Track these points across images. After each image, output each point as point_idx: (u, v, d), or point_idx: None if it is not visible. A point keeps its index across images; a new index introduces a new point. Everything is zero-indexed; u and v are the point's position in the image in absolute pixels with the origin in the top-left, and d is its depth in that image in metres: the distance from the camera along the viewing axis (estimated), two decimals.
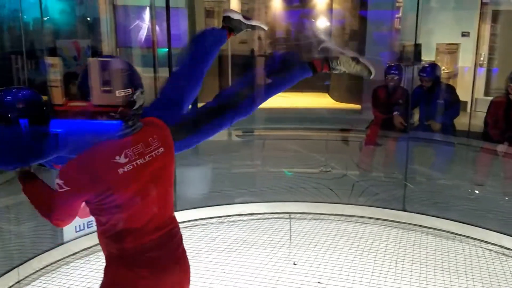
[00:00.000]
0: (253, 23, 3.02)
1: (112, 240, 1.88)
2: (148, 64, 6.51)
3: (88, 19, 7.58)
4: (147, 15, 6.77)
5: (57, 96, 4.92)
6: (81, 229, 4.24)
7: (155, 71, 5.89)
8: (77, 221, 4.19)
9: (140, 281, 1.87)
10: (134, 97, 1.83)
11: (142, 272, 1.86)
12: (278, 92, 2.82)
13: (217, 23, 7.95)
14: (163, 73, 5.05)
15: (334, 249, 4.31)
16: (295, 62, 2.91)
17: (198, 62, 2.68)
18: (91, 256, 4.17)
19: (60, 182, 1.74)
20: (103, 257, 3.64)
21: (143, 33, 6.74)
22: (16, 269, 3.68)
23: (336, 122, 6.13)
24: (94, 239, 4.24)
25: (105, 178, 1.75)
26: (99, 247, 4.23)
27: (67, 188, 1.74)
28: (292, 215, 4.86)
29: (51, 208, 1.85)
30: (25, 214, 4.35)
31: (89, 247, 4.27)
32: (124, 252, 1.86)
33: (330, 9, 8.90)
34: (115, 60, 2.00)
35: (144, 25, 6.78)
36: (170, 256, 1.93)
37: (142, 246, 1.86)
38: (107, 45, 7.02)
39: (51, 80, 5.27)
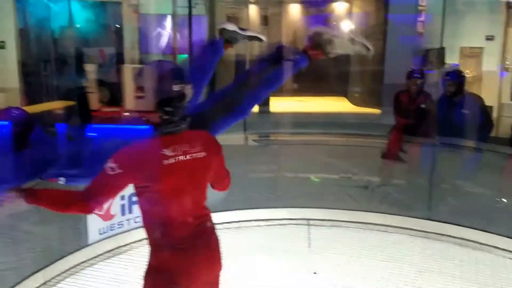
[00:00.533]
0: (250, 33, 3.01)
1: (152, 227, 2.07)
2: None
3: (116, 26, 7.67)
4: (168, 22, 6.80)
5: (94, 102, 4.97)
6: (104, 232, 4.28)
7: None
8: (101, 223, 4.23)
9: (171, 268, 2.05)
10: (185, 90, 2.02)
11: (172, 257, 2.04)
12: (276, 87, 2.77)
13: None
14: None
15: (355, 258, 4.17)
16: (289, 53, 2.85)
17: (196, 75, 2.65)
18: (113, 258, 4.18)
19: (114, 165, 1.92)
20: (126, 259, 3.56)
21: (164, 40, 6.77)
22: (42, 270, 3.72)
23: (355, 127, 5.96)
24: (117, 241, 4.32)
25: (152, 166, 1.96)
26: (122, 249, 4.18)
27: (120, 171, 1.92)
28: (311, 222, 4.75)
29: (88, 194, 1.99)
30: (51, 216, 4.34)
31: (112, 249, 4.29)
32: (161, 238, 2.04)
33: (350, 13, 8.76)
34: (168, 62, 2.38)
35: (165, 32, 6.81)
36: (197, 247, 2.07)
37: (175, 235, 2.04)
38: (131, 53, 7.09)
39: (87, 87, 5.34)
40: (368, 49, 2.81)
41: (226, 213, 4.82)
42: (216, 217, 4.80)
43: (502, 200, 5.04)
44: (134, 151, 1.98)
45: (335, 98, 8.33)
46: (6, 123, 2.41)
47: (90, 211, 2.08)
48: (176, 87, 1.99)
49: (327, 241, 4.46)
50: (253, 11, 8.39)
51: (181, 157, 1.98)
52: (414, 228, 4.69)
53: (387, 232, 4.70)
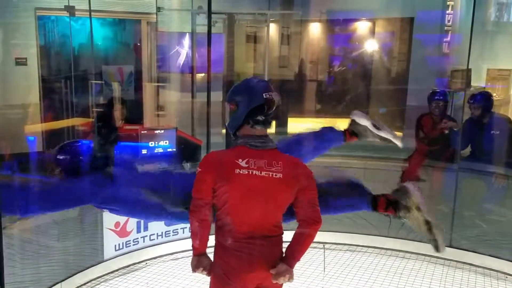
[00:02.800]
0: (384, 134, 3.02)
1: (218, 228, 2.41)
2: (187, 89, 6.91)
3: (137, 44, 8.08)
4: (186, 41, 7.17)
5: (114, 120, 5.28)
6: (120, 248, 4.65)
7: (193, 96, 6.25)
8: (117, 239, 4.60)
9: (224, 269, 2.38)
10: (276, 99, 2.38)
11: (227, 261, 2.38)
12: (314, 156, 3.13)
13: (255, 47, 8.20)
14: (201, 97, 5.29)
15: (372, 284, 4.39)
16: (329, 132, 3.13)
17: (302, 151, 3.00)
18: (128, 275, 4.53)
19: (199, 168, 2.36)
20: (140, 276, 3.97)
21: (182, 59, 7.14)
22: (59, 284, 4.06)
23: (375, 150, 6.16)
24: (132, 258, 4.73)
25: (225, 171, 2.31)
26: (137, 266, 4.55)
27: (201, 170, 2.34)
28: (327, 246, 4.96)
29: (197, 199, 2.37)
30: (70, 230, 4.73)
31: (127, 266, 4.64)
32: (222, 240, 2.39)
33: (374, 32, 9.00)
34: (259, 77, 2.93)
35: (183, 50, 7.18)
36: (250, 259, 2.36)
37: (234, 242, 2.36)
38: (148, 71, 7.48)
39: (108, 105, 5.69)
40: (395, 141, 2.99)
41: None
42: None
43: None
44: (215, 156, 2.41)
45: None
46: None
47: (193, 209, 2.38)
48: (266, 95, 2.36)
49: (343, 266, 4.69)
50: (274, 29, 8.71)
51: (255, 172, 2.31)
52: (435, 255, 4.72)
53: (406, 258, 4.90)
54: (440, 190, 5.90)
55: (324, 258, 4.70)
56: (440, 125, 5.76)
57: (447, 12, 7.76)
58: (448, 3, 7.74)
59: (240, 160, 2.31)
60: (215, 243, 2.44)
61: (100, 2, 6.62)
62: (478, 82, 8.00)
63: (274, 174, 2.32)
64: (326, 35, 9.53)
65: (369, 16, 8.72)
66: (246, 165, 2.30)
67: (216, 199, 2.35)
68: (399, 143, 3.06)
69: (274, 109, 2.39)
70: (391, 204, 2.67)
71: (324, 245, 4.89)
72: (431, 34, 7.81)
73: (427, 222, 2.61)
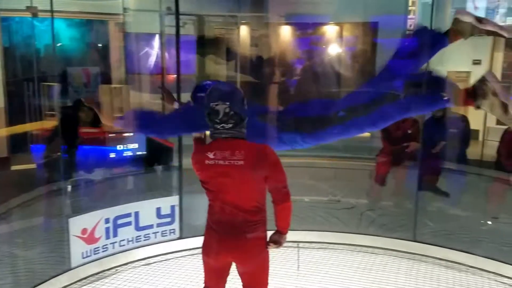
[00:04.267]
0: (490, 28, 2.78)
1: (208, 208, 2.77)
2: (157, 91, 6.69)
3: (102, 45, 7.81)
4: (156, 42, 6.96)
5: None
6: (88, 255, 4.36)
7: (163, 98, 6.02)
8: (84, 247, 4.32)
9: (207, 238, 2.78)
10: (217, 107, 2.60)
11: (210, 233, 2.75)
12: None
13: (226, 49, 8.09)
14: None
15: (343, 280, 4.34)
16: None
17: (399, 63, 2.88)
18: (97, 282, 4.27)
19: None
20: (110, 284, 3.79)
21: (152, 60, 6.93)
22: None
23: (345, 150, 6.17)
24: (102, 265, 4.43)
25: (199, 163, 2.66)
26: (107, 273, 4.30)
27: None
28: (301, 244, 4.88)
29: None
30: (34, 239, 4.45)
31: (97, 273, 4.37)
32: (208, 218, 2.77)
33: (341, 36, 9.04)
34: (217, 84, 3.00)
35: (153, 52, 6.97)
36: (224, 235, 2.70)
37: (213, 217, 2.72)
38: (117, 72, 7.22)
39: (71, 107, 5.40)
40: None
41: None
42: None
43: (487, 223, 5.29)
44: (196, 151, 2.76)
45: None
46: None
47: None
48: (214, 106, 2.60)
49: (316, 263, 4.62)
50: (244, 32, 8.60)
51: (220, 162, 2.59)
52: (401, 249, 4.88)
53: (374, 253, 4.88)
54: (404, 186, 5.97)
55: (298, 256, 4.60)
56: (403, 126, 5.84)
57: (409, 17, 7.88)
58: (409, 8, 7.86)
59: (208, 153, 2.62)
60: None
61: (65, 2, 6.34)
62: None
63: (236, 162, 2.58)
64: (295, 38, 9.52)
65: (336, 21, 8.72)
66: (213, 157, 2.60)
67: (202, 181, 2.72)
68: (506, 34, 2.83)
69: (225, 114, 2.60)
70: (469, 96, 2.70)
71: (298, 244, 4.80)
72: (394, 38, 7.90)
73: (504, 105, 2.60)
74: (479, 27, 2.77)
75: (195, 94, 3.20)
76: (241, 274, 2.85)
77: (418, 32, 3.10)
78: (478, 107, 2.77)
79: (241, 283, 2.89)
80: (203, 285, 2.93)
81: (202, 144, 2.91)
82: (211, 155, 2.61)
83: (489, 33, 2.81)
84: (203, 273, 2.90)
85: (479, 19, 2.79)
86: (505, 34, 2.81)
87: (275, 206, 2.72)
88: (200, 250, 4.88)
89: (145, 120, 3.23)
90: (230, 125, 2.61)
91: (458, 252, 4.69)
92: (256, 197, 2.67)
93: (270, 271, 2.84)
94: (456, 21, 2.84)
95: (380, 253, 4.91)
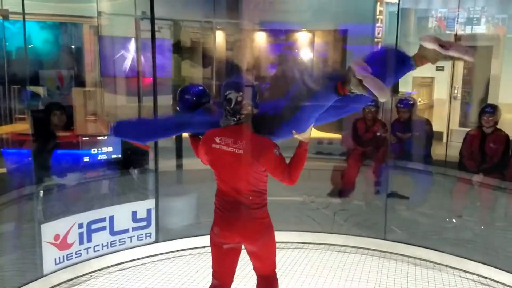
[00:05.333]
0: (452, 53, 2.76)
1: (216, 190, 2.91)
2: (133, 93, 6.49)
3: (77, 48, 7.55)
4: (132, 45, 6.75)
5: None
6: (60, 262, 4.14)
7: (139, 100, 5.86)
8: (57, 253, 4.10)
9: (215, 218, 2.92)
10: (230, 96, 2.72)
11: (216, 213, 2.90)
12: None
13: (202, 53, 7.99)
14: (148, 102, 4.99)
15: (318, 278, 4.29)
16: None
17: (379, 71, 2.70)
18: None
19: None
20: None
21: (127, 63, 6.71)
22: None
23: (318, 151, 6.16)
24: (74, 271, 4.21)
25: (207, 145, 2.82)
26: (79, 280, 4.05)
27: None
28: (276, 245, 4.75)
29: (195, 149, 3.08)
30: (5, 246, 4.19)
31: (69, 280, 4.16)
32: (216, 198, 2.91)
33: (312, 42, 9.07)
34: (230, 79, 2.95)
35: (128, 55, 6.75)
36: (227, 213, 2.85)
37: (219, 198, 2.88)
38: (91, 75, 6.97)
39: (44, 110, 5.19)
40: (376, 97, 2.67)
41: (191, 239, 4.85)
42: (182, 244, 4.87)
43: (453, 221, 5.33)
44: (207, 133, 2.83)
45: None
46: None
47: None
48: (227, 94, 2.72)
49: (291, 264, 4.54)
50: (220, 37, 8.50)
51: (224, 147, 2.74)
52: (372, 248, 4.88)
53: (347, 252, 4.85)
54: (374, 186, 5.98)
55: None
56: (373, 128, 5.86)
57: (377, 25, 7.94)
58: (377, 17, 7.92)
59: (216, 137, 2.77)
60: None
61: (38, 5, 6.08)
62: (405, 88, 8.28)
63: (236, 150, 2.71)
64: (268, 44, 9.51)
65: (308, 28, 8.73)
66: (219, 141, 2.75)
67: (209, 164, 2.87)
68: (470, 58, 2.85)
69: (236, 103, 2.71)
70: (344, 85, 2.72)
71: None
72: (362, 45, 7.96)
73: (359, 80, 2.61)
74: (443, 54, 2.80)
75: (182, 96, 3.19)
76: (250, 254, 2.96)
77: (387, 52, 3.09)
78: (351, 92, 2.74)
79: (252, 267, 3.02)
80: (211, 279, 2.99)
81: (197, 138, 3.04)
82: (217, 140, 2.75)
83: (453, 58, 2.85)
84: (211, 261, 2.97)
85: (443, 45, 2.78)
86: (468, 59, 2.87)
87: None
88: (177, 254, 4.77)
89: (141, 128, 3.24)
90: (242, 115, 2.73)
91: (425, 250, 4.71)
92: (254, 183, 2.76)
93: (246, 272, 2.73)
94: (421, 47, 2.86)
95: (352, 251, 4.88)
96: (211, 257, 2.98)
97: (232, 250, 2.91)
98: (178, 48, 6.91)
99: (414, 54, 2.84)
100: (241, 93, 2.73)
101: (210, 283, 2.99)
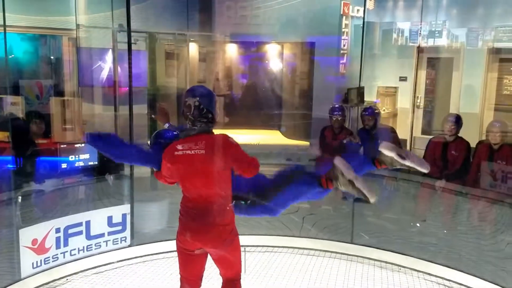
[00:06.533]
0: (408, 163, 2.90)
1: (183, 197, 2.86)
2: (109, 103, 6.43)
3: (56, 59, 7.44)
4: (109, 56, 6.70)
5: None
6: (38, 266, 4.08)
7: (115, 109, 5.82)
8: (34, 257, 4.04)
9: (180, 226, 2.87)
10: (189, 102, 2.73)
11: (181, 221, 2.86)
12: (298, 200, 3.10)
13: (176, 64, 7.99)
14: (124, 111, 4.93)
15: (287, 281, 4.27)
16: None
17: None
18: None
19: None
20: None
21: (104, 74, 6.65)
22: None
23: (287, 157, 6.17)
24: (52, 274, 4.15)
25: (169, 155, 2.77)
26: (56, 283, 3.97)
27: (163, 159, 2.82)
28: (247, 248, 4.71)
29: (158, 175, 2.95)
30: None
31: (46, 283, 4.10)
32: (182, 205, 2.86)
33: (281, 54, 9.14)
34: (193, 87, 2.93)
35: (105, 66, 6.69)
36: (193, 221, 2.79)
37: (183, 206, 2.84)
38: (69, 85, 6.88)
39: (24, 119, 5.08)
40: (367, 199, 2.80)
41: (165, 243, 4.78)
42: (156, 247, 4.79)
43: (417, 225, 5.32)
44: (168, 148, 2.78)
45: (269, 132, 8.53)
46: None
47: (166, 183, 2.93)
48: (186, 100, 2.72)
49: (261, 266, 4.52)
50: (193, 48, 8.48)
51: (188, 151, 2.70)
52: (339, 251, 4.86)
53: (315, 255, 4.84)
54: (342, 192, 5.96)
55: (245, 260, 4.46)
56: (340, 136, 5.89)
57: (343, 37, 8.03)
58: (343, 30, 8.01)
59: (178, 145, 2.73)
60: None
61: (19, 18, 6.00)
62: (370, 97, 8.38)
63: (198, 150, 2.69)
64: (239, 55, 9.54)
65: (277, 40, 8.80)
66: (181, 148, 2.72)
67: (173, 177, 2.83)
68: (425, 170, 2.96)
69: (195, 109, 2.71)
70: (328, 180, 2.88)
71: (245, 248, 4.63)
72: (329, 57, 8.05)
73: (350, 181, 2.78)
74: (399, 162, 2.92)
75: (156, 140, 3.10)
76: (215, 261, 2.93)
77: (357, 157, 3.21)
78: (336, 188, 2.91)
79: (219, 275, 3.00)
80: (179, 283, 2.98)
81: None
82: (179, 147, 2.72)
83: (408, 167, 2.94)
84: (179, 267, 2.95)
85: (401, 154, 2.92)
86: (424, 170, 2.97)
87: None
88: (151, 257, 4.70)
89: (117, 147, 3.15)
90: (202, 123, 2.73)
91: (391, 253, 4.72)
92: (219, 185, 2.75)
93: (217, 275, 2.73)
94: (380, 153, 2.99)
95: (320, 255, 4.87)
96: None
97: (199, 255, 2.87)
98: (153, 59, 6.87)
99: (375, 159, 3.00)
100: (197, 98, 2.70)
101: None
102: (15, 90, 6.42)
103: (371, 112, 5.82)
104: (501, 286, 4.05)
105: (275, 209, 2.99)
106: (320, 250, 4.92)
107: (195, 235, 2.78)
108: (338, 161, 2.84)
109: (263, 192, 2.99)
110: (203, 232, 2.77)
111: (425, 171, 2.97)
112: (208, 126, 2.76)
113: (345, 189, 2.78)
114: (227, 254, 2.87)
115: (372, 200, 2.78)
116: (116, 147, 3.06)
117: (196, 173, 2.71)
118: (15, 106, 5.74)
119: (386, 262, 4.68)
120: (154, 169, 3.02)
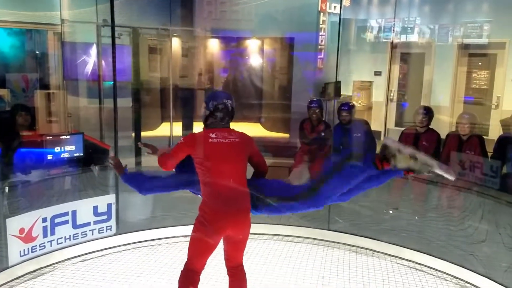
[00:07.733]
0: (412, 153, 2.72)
1: (203, 185, 2.90)
2: (94, 96, 6.33)
3: (41, 53, 7.29)
4: (93, 51, 6.58)
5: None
6: (25, 254, 4.03)
7: (100, 102, 5.73)
8: (22, 245, 3.99)
9: (211, 215, 2.85)
10: (227, 103, 2.97)
11: (213, 209, 2.85)
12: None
13: (159, 58, 7.91)
14: (108, 103, 4.86)
15: (267, 267, 4.30)
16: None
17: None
18: (35, 279, 3.94)
19: (182, 140, 2.96)
20: (47, 280, 3.84)
21: (89, 67, 6.54)
22: None
23: (266, 149, 6.15)
24: (39, 262, 4.12)
25: (204, 142, 2.88)
26: (44, 270, 3.90)
27: (184, 142, 2.94)
28: None
29: (164, 159, 2.97)
30: None
31: (34, 271, 4.05)
32: (210, 195, 2.88)
33: (261, 49, 9.09)
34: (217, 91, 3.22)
35: (90, 60, 6.58)
36: (231, 204, 2.86)
37: (217, 194, 2.86)
38: (54, 79, 6.75)
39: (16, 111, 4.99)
40: (430, 168, 2.62)
41: (149, 232, 4.79)
42: (140, 236, 4.75)
43: (389, 212, 5.40)
44: (199, 135, 2.92)
45: (250, 124, 8.50)
46: None
47: (162, 166, 2.97)
48: (225, 101, 2.95)
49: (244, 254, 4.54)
50: (176, 43, 8.38)
51: (222, 140, 2.88)
52: (317, 237, 4.93)
53: (294, 242, 4.88)
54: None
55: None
56: (317, 128, 5.90)
57: (320, 33, 8.03)
58: (320, 26, 8.01)
59: (210, 134, 2.89)
60: (202, 199, 2.91)
61: (4, 12, 5.83)
62: (347, 91, 8.42)
63: (233, 139, 2.92)
64: (220, 50, 9.46)
65: (257, 35, 8.75)
66: (215, 137, 2.88)
67: (200, 170, 2.86)
68: (429, 161, 2.76)
69: (231, 109, 2.97)
70: (383, 160, 2.81)
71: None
72: (307, 52, 8.04)
73: (411, 156, 2.68)
74: (403, 151, 2.78)
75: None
76: (232, 245, 3.00)
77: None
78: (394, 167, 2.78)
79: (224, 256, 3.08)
80: (184, 265, 3.02)
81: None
82: (213, 135, 2.88)
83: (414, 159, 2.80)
84: (191, 252, 2.96)
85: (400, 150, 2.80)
86: (427, 160, 2.78)
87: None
88: (136, 245, 4.66)
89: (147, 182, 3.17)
90: (228, 119, 2.97)
91: (365, 239, 4.79)
92: (245, 172, 2.93)
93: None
94: (384, 147, 2.86)
95: (299, 241, 4.92)
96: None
97: (215, 246, 2.93)
98: (136, 53, 6.76)
99: (375, 159, 2.88)
100: (230, 101, 2.99)
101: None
102: (2, 83, 6.29)
103: (349, 108, 5.84)
104: (468, 269, 4.15)
105: (320, 201, 2.96)
106: (299, 237, 4.97)
107: (232, 220, 2.85)
108: (390, 141, 2.79)
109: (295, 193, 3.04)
110: (239, 216, 2.88)
111: (426, 161, 2.75)
112: (229, 122, 3.03)
113: (405, 166, 2.66)
114: (245, 238, 2.99)
115: (451, 177, 2.63)
116: (149, 183, 3.11)
117: (231, 158, 2.87)
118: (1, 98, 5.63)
119: (361, 247, 4.76)
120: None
